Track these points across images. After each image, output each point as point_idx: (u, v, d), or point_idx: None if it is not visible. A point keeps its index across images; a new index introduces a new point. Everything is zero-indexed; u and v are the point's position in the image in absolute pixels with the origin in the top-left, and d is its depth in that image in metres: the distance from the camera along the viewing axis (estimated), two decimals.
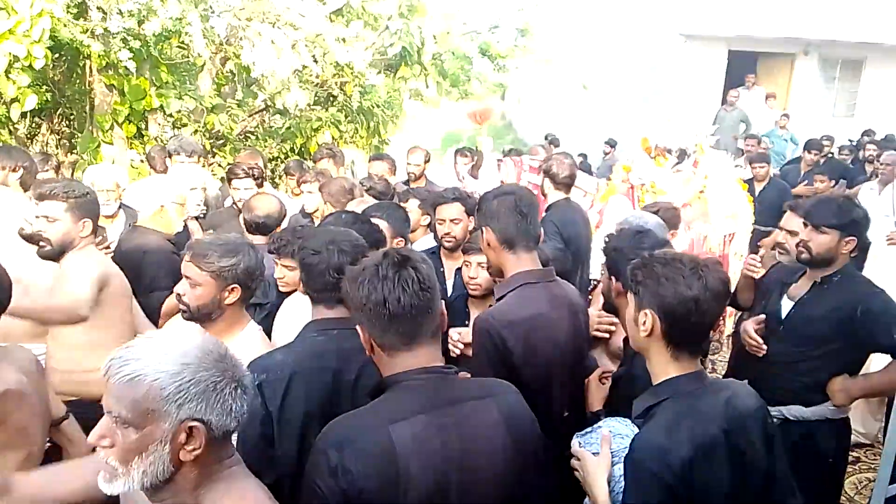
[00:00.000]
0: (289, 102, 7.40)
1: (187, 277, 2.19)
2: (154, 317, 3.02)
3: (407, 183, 5.52)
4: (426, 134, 13.99)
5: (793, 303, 2.86)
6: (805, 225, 2.81)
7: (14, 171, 3.75)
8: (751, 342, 2.86)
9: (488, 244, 2.32)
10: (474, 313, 2.86)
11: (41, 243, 2.74)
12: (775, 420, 2.80)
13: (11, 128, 7.13)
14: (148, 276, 3.25)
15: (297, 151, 8.64)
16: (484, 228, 2.33)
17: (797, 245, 2.83)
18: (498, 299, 2.30)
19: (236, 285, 2.18)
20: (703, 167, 5.66)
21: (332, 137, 8.41)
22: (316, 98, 8.55)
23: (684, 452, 1.59)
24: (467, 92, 10.64)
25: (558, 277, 2.42)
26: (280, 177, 8.20)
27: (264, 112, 8.71)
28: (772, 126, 11.63)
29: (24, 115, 6.43)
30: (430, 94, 9.44)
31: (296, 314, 2.55)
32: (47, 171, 4.53)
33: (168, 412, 1.22)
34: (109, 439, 1.25)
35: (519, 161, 6.34)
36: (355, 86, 8.25)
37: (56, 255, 2.75)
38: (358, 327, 1.62)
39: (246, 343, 2.18)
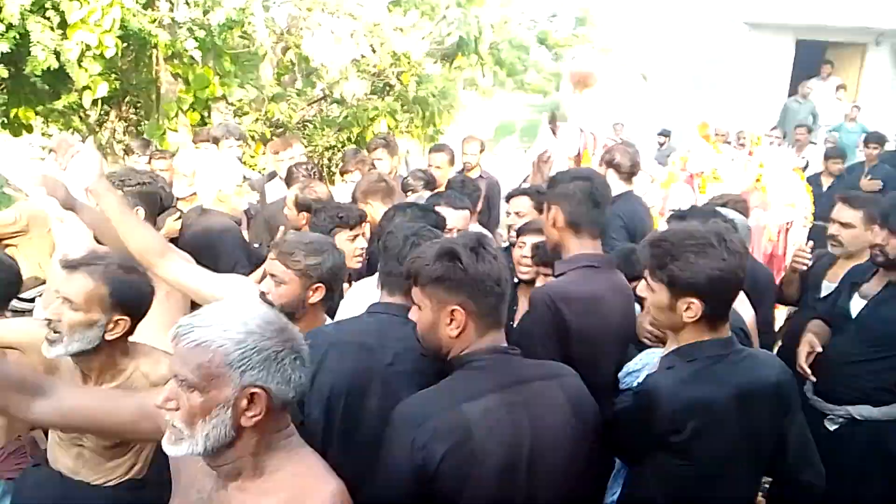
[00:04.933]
0: (346, 92, 7.48)
1: (272, 275, 2.18)
2: None
3: (461, 173, 5.53)
4: (480, 124, 13.97)
5: (865, 301, 2.77)
6: (882, 228, 2.71)
7: None
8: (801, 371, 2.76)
9: (554, 223, 2.31)
10: (522, 302, 2.84)
11: None
12: (841, 420, 2.73)
13: (82, 114, 7.41)
14: (228, 257, 3.23)
15: (353, 140, 8.73)
16: (554, 206, 2.31)
17: (871, 248, 2.74)
18: (557, 275, 2.30)
19: (321, 284, 2.18)
20: (757, 156, 5.53)
21: (388, 127, 8.46)
22: (373, 87, 8.62)
23: (682, 405, 1.70)
24: (523, 82, 10.58)
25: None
26: (336, 165, 8.33)
27: (322, 101, 8.83)
28: (841, 119, 11.19)
29: (94, 102, 6.66)
30: (485, 84, 9.43)
31: (361, 300, 2.57)
32: (146, 156, 4.68)
33: (231, 377, 1.27)
34: (175, 402, 1.30)
35: (595, 137, 6.15)
36: (412, 75, 8.28)
37: None
38: (458, 306, 1.63)
39: None
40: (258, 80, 7.74)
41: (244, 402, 1.28)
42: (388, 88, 8.96)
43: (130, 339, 2.12)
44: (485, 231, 3.65)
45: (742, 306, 2.43)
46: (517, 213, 3.41)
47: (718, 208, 3.00)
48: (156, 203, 3.00)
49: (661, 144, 10.98)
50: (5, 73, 5.57)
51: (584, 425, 1.67)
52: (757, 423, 1.76)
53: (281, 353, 1.31)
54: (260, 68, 7.97)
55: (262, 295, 2.21)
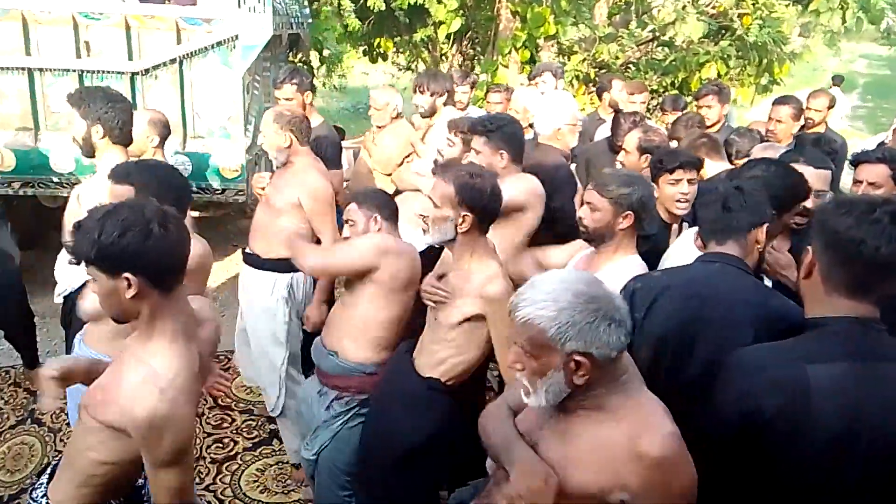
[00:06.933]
0: (679, 34, 7.18)
1: (588, 203, 2.46)
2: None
3: (802, 129, 5.05)
4: (817, 77, 12.36)
5: None
6: None
7: (440, 95, 4.29)
8: None
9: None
10: None
11: None
12: None
13: (430, 47, 8.19)
14: (560, 193, 3.36)
15: (677, 86, 8.40)
16: None
17: None
18: None
19: (630, 213, 2.40)
20: None
21: (718, 73, 7.97)
22: (707, 30, 8.14)
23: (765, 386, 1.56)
24: (890, 33, 9.10)
25: None
26: (651, 110, 8.12)
27: (650, 43, 8.59)
28: None
29: (447, 37, 7.31)
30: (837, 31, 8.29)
31: (684, 251, 2.59)
32: (465, 85, 5.08)
33: (556, 347, 1.46)
34: (520, 364, 1.53)
35: None
36: (755, 18, 7.62)
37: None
38: (809, 248, 1.63)
39: (624, 269, 2.35)
40: (591, 20, 7.78)
41: (571, 366, 1.47)
42: (723, 32, 8.39)
43: None
44: None
45: None
46: (869, 183, 3.03)
47: None
48: None
49: None
50: (382, 6, 6.36)
51: None
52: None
53: (594, 322, 1.44)
54: (595, 8, 7.99)
55: (580, 220, 2.48)
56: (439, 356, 2.44)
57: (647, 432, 1.45)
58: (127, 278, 1.56)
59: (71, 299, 2.83)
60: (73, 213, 2.81)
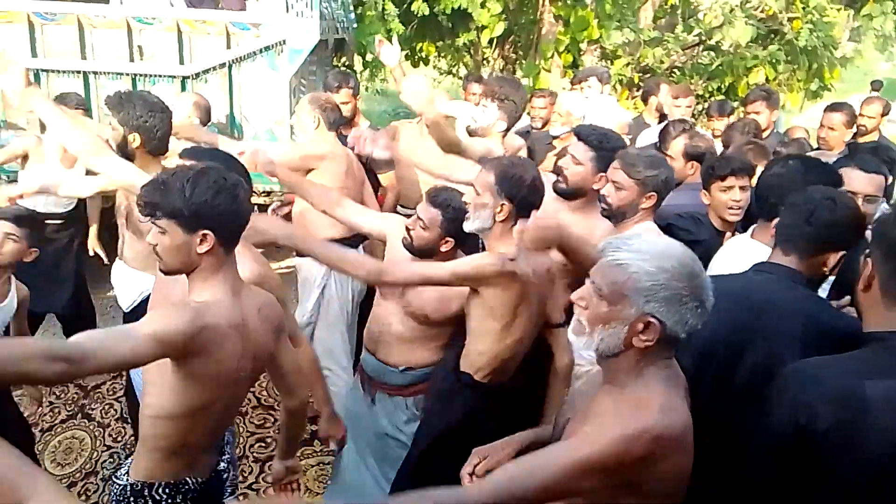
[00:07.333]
0: (726, 38, 7.06)
1: (614, 182, 2.54)
2: None
3: (854, 137, 4.92)
4: (868, 82, 12.05)
5: None
6: None
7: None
8: None
9: None
10: None
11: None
12: None
13: (472, 51, 8.20)
14: None
15: (723, 91, 8.26)
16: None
17: None
18: None
19: (654, 193, 2.51)
20: None
21: (766, 78, 7.81)
22: (755, 34, 7.98)
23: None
24: None
25: None
26: (696, 116, 7.99)
27: (696, 47, 8.46)
28: None
29: (490, 41, 7.32)
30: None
31: (740, 255, 2.54)
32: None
33: (636, 302, 1.41)
34: (586, 302, 1.49)
35: None
36: (806, 22, 7.45)
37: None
38: (868, 260, 1.59)
39: (640, 231, 2.42)
40: (636, 24, 7.69)
41: (640, 326, 1.42)
42: (772, 36, 8.22)
43: None
44: None
45: None
46: None
47: None
48: None
49: None
50: (426, 10, 6.39)
51: None
52: None
53: (686, 297, 1.40)
54: (640, 12, 7.91)
55: (602, 198, 2.56)
56: (465, 349, 2.47)
57: (623, 419, 1.39)
58: (204, 234, 1.67)
59: (142, 309, 2.68)
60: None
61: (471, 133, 3.43)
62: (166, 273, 1.77)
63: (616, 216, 2.57)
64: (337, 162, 3.44)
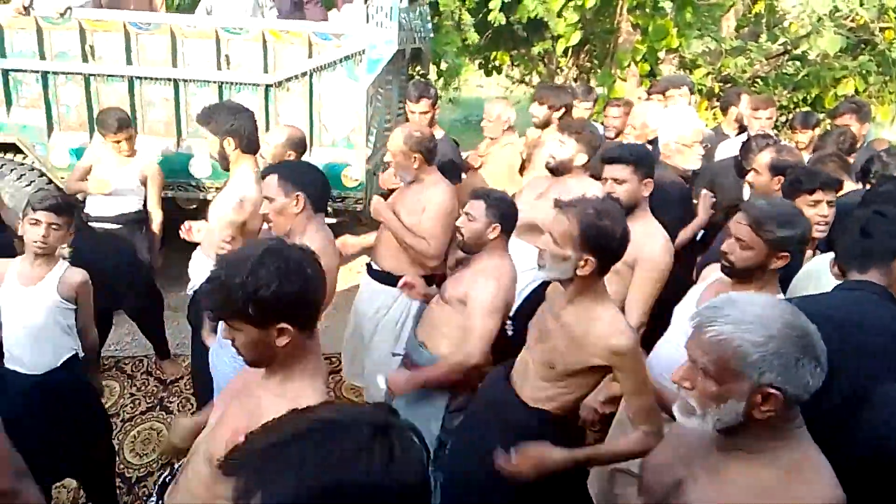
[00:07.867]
0: (814, 48, 6.79)
1: (739, 239, 2.22)
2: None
3: None
4: None
5: None
6: None
7: (557, 109, 4.30)
8: None
9: None
10: None
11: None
12: None
13: (546, 60, 8.16)
14: (670, 214, 3.18)
15: (809, 102, 7.94)
16: None
17: None
18: None
19: (787, 254, 2.19)
20: None
21: (856, 90, 7.46)
22: (845, 44, 7.65)
23: None
24: None
25: None
26: (779, 127, 7.70)
27: (780, 57, 8.17)
28: None
29: (565, 51, 7.27)
30: None
31: (818, 278, 2.45)
32: (588, 101, 5.03)
33: (749, 375, 1.31)
34: (690, 382, 1.40)
35: None
36: None
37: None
38: None
39: None
40: (718, 32, 7.49)
41: (758, 398, 1.32)
42: (862, 46, 7.86)
43: None
44: None
45: None
46: None
47: None
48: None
49: None
50: (502, 20, 6.41)
51: None
52: None
53: (802, 359, 1.30)
54: (722, 20, 7.70)
55: (724, 255, 2.25)
56: (548, 394, 2.23)
57: (805, 485, 1.32)
58: (281, 329, 1.48)
59: (199, 295, 2.97)
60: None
61: (552, 170, 3.34)
62: (251, 366, 1.60)
63: (737, 276, 2.26)
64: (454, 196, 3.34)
